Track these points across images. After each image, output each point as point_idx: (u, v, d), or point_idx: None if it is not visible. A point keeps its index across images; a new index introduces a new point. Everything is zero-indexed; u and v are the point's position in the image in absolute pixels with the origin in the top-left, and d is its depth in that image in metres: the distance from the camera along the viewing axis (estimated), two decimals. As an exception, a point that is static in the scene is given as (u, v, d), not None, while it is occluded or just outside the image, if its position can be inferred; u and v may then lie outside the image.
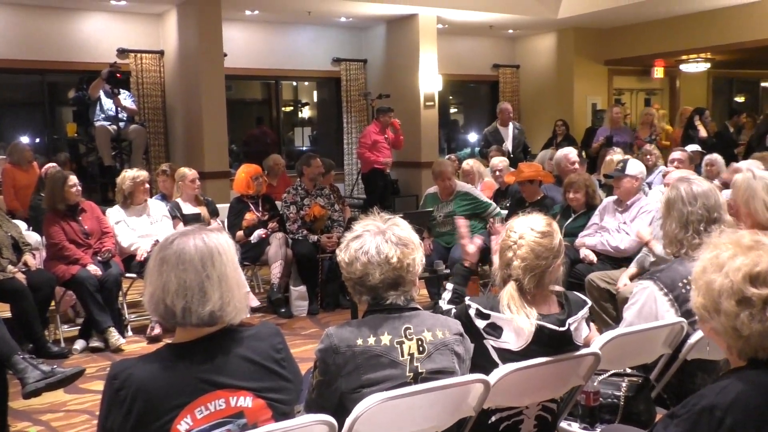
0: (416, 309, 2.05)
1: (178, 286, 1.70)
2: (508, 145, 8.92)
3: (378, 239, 2.00)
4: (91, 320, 4.94)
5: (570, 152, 6.44)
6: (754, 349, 1.52)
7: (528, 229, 2.23)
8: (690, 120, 9.17)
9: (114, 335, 4.89)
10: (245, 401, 1.72)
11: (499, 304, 2.21)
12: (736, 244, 1.57)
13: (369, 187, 9.01)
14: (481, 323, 2.20)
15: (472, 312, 2.21)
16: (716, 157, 6.51)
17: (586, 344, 2.38)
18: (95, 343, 4.95)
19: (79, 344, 4.96)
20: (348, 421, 1.81)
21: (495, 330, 2.19)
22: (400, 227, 2.05)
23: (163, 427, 1.64)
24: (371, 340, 1.94)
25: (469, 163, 7.02)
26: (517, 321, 2.17)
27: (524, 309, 2.18)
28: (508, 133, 9.10)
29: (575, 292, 2.42)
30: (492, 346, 2.19)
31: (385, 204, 8.00)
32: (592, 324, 2.77)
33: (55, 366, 3.54)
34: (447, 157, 10.73)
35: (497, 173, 6.88)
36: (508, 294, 2.21)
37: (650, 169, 6.64)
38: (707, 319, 1.57)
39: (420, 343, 1.98)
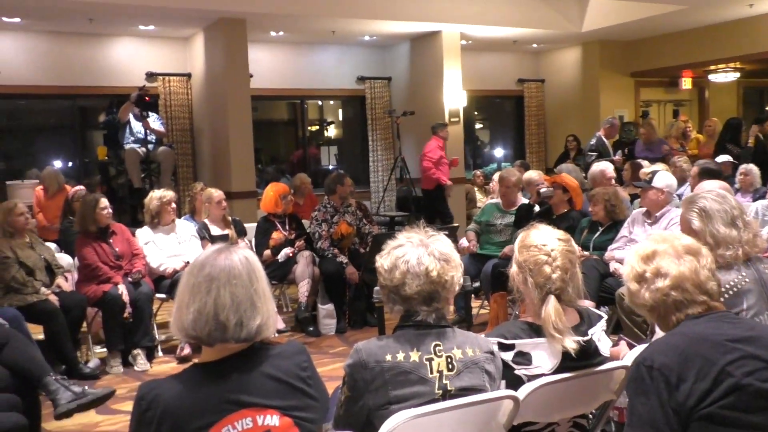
0: (447, 326, 2.03)
1: (232, 301, 1.73)
2: (613, 157, 8.81)
3: (420, 251, 2.00)
4: (106, 339, 5.01)
5: (607, 168, 6.41)
6: (665, 321, 1.82)
7: (553, 240, 2.19)
8: (737, 130, 8.97)
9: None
10: (272, 420, 1.71)
11: (545, 326, 2.11)
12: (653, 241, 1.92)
13: (430, 203, 9.00)
14: (507, 355, 2.12)
15: (494, 348, 2.11)
16: (751, 167, 6.46)
17: (614, 357, 2.33)
18: (133, 363, 5.02)
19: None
20: (376, 438, 1.79)
21: (524, 357, 2.11)
22: (443, 243, 2.05)
23: (192, 446, 1.64)
24: (400, 356, 1.92)
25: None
26: (547, 342, 2.10)
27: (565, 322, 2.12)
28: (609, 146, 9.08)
29: (590, 308, 2.36)
30: (524, 374, 2.11)
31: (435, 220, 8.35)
32: (623, 341, 2.71)
33: (86, 387, 3.57)
34: (473, 172, 10.76)
35: (539, 186, 6.82)
36: (555, 309, 2.11)
37: (680, 182, 6.55)
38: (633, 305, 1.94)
39: (449, 360, 1.96)
